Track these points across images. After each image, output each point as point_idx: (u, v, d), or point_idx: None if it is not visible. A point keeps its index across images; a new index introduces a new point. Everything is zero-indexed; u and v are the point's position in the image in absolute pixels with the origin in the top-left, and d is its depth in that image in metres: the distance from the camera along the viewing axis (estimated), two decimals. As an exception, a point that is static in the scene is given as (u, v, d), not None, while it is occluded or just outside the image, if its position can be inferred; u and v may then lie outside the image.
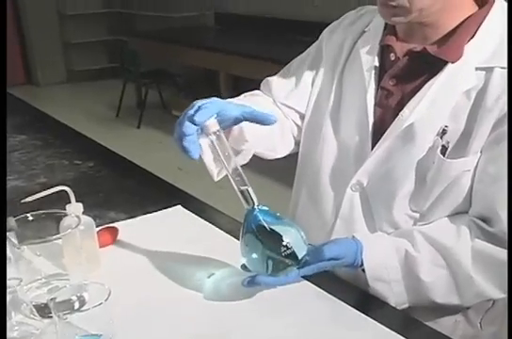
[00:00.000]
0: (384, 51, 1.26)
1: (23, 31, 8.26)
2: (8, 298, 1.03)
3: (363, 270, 1.18)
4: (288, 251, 1.04)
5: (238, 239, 1.13)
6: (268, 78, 1.46)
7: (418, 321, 1.14)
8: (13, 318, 1.06)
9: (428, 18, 1.15)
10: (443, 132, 1.16)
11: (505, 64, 1.11)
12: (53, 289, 1.14)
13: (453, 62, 1.14)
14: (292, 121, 1.41)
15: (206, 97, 1.11)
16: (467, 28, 1.15)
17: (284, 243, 1.03)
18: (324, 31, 1.42)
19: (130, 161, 2.00)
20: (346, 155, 1.30)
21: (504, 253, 1.12)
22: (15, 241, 1.09)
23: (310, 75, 1.39)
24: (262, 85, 1.47)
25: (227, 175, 1.09)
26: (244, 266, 1.12)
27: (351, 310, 1.13)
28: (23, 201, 1.25)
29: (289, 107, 1.41)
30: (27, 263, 1.14)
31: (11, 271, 1.14)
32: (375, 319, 1.10)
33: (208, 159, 1.18)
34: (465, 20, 1.16)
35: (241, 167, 1.08)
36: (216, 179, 1.21)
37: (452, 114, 1.15)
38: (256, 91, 1.46)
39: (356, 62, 1.29)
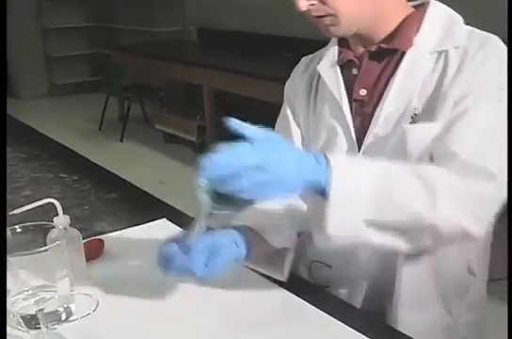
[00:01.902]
0: (344, 69, 1.32)
1: (5, 44, 8.24)
2: (-4, 309, 1.04)
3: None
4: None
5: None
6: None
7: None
8: None
9: (366, 27, 1.24)
10: (415, 115, 1.21)
11: (457, 44, 1.19)
12: (40, 300, 1.15)
13: (405, 51, 1.22)
14: None
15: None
16: (410, 25, 1.24)
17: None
18: (285, 87, 1.47)
19: (115, 174, 2.01)
20: None
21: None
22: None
23: (296, 129, 1.43)
24: None
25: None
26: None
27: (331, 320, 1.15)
28: (10, 213, 1.26)
29: None
30: (15, 274, 1.16)
31: (-2, 283, 1.15)
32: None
33: None
34: (405, 19, 1.25)
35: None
36: None
37: (419, 98, 1.21)
38: None
39: (323, 87, 1.35)
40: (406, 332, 1.17)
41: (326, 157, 1.03)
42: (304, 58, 1.46)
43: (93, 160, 2.20)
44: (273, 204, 1.29)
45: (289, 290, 1.26)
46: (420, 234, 1.09)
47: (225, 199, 1.00)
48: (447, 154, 1.13)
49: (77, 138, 6.08)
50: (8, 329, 1.09)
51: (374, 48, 1.27)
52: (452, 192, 1.07)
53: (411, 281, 1.27)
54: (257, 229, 1.24)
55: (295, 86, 1.44)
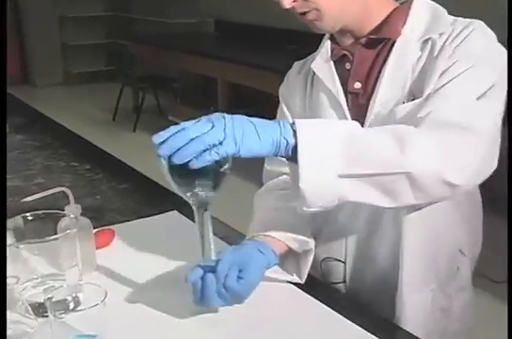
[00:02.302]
0: (338, 65, 1.34)
1: (22, 31, 8.27)
2: (4, 296, 1.05)
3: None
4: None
5: (232, 245, 1.17)
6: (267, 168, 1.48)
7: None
8: (8, 316, 1.07)
9: (352, 22, 1.27)
10: (412, 99, 1.22)
11: (442, 30, 1.22)
12: (48, 289, 1.15)
13: (395, 39, 1.25)
14: None
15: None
16: (397, 17, 1.27)
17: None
18: (280, 90, 1.49)
19: (127, 164, 2.01)
20: None
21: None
22: (13, 239, 1.10)
23: None
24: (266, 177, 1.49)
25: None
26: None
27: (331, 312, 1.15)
28: (23, 200, 1.26)
29: None
30: (24, 262, 1.16)
31: (8, 269, 1.15)
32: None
33: None
34: (391, 13, 1.28)
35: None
36: None
37: (411, 84, 1.23)
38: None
39: (318, 83, 1.37)
40: (408, 316, 1.27)
41: (290, 120, 1.06)
42: (296, 63, 1.49)
43: (106, 150, 2.20)
44: (282, 212, 1.32)
45: (301, 288, 1.26)
46: (397, 185, 1.07)
47: (194, 175, 1.01)
48: (423, 116, 1.14)
49: (90, 128, 6.09)
50: (16, 316, 1.09)
51: (364, 40, 1.30)
52: (422, 140, 1.07)
53: (414, 263, 1.30)
54: (277, 236, 1.26)
55: (289, 87, 1.46)
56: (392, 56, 1.26)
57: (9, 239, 0.76)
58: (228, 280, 1.09)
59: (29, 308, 1.09)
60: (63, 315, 1.00)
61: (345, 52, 1.32)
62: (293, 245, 1.27)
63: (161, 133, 1.03)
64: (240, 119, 1.03)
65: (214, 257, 1.11)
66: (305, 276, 1.28)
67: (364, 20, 1.28)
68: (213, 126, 1.00)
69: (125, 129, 6.34)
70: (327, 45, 1.37)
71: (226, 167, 1.04)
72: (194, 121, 1.02)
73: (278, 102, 1.48)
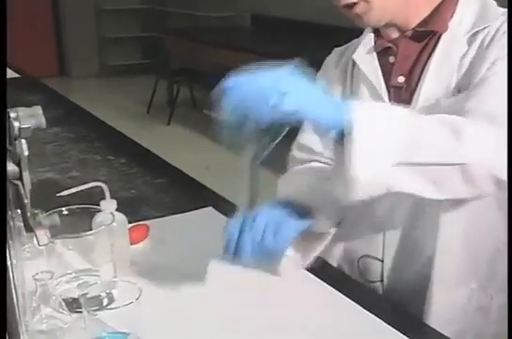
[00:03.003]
0: (381, 57, 1.31)
1: (60, 23, 8.33)
2: (39, 291, 1.04)
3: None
4: None
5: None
6: (299, 143, 1.44)
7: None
8: (42, 311, 1.06)
9: (399, 14, 1.24)
10: (458, 92, 1.20)
11: (490, 23, 1.19)
12: (82, 284, 1.15)
13: (442, 32, 1.22)
14: None
15: None
16: (444, 9, 1.24)
17: None
18: (316, 79, 1.41)
19: (162, 159, 2.00)
20: None
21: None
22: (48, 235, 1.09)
23: None
24: (297, 155, 1.45)
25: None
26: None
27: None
28: (58, 194, 1.26)
29: None
30: (59, 256, 1.15)
31: (43, 264, 1.15)
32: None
33: None
34: (439, 5, 1.25)
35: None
36: None
37: (456, 79, 1.21)
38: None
39: (360, 75, 1.34)
40: (440, 313, 1.25)
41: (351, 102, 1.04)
42: (336, 49, 1.46)
43: (139, 143, 2.19)
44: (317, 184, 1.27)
45: (334, 286, 1.24)
46: (448, 176, 1.03)
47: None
48: (472, 107, 1.11)
49: (124, 120, 6.10)
50: (50, 311, 1.08)
51: (410, 33, 1.27)
52: (476, 132, 1.03)
53: (450, 261, 1.28)
54: (308, 204, 1.23)
55: (327, 76, 1.42)
56: (438, 51, 1.23)
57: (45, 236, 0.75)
58: (265, 237, 1.10)
59: (63, 303, 1.09)
60: (97, 312, 0.99)
61: (390, 44, 1.29)
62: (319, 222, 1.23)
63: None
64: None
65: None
66: (311, 259, 1.26)
67: (411, 13, 1.25)
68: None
69: (159, 122, 6.36)
70: (370, 35, 1.34)
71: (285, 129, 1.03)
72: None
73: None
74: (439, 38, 1.23)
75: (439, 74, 1.23)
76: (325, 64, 1.45)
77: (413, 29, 1.26)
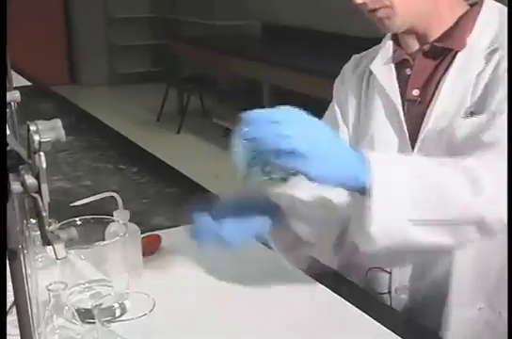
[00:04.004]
0: (399, 68, 1.31)
1: (70, 32, 8.38)
2: (52, 301, 1.04)
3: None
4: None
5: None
6: None
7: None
8: (55, 322, 1.06)
9: (421, 22, 1.23)
10: (471, 113, 1.19)
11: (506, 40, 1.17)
12: (95, 294, 1.14)
13: (459, 50, 1.21)
14: None
15: (248, 108, 1.03)
16: (465, 24, 1.23)
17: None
18: (334, 86, 1.46)
19: (174, 168, 2.00)
20: None
21: None
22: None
23: (344, 127, 1.41)
24: None
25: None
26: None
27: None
28: (72, 204, 1.26)
29: None
30: (72, 266, 1.15)
31: (55, 274, 1.15)
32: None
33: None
34: (460, 18, 1.24)
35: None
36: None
37: (472, 97, 1.20)
38: None
39: (376, 86, 1.34)
40: (455, 332, 1.25)
41: (365, 155, 0.98)
42: (354, 56, 1.46)
43: (149, 151, 2.20)
44: (311, 195, 1.27)
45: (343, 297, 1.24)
46: (465, 230, 1.02)
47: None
48: (492, 140, 1.10)
49: (134, 128, 6.12)
50: (62, 321, 1.08)
51: (427, 47, 1.26)
52: (498, 187, 1.00)
53: (463, 282, 1.28)
54: (290, 213, 1.23)
55: (344, 84, 1.42)
56: (455, 67, 1.22)
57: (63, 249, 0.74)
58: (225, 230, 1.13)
59: (75, 314, 1.08)
60: (110, 323, 0.99)
61: (407, 57, 1.29)
62: (302, 231, 1.25)
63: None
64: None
65: None
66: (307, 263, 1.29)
67: (433, 22, 1.24)
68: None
69: (169, 130, 6.37)
70: (388, 46, 1.34)
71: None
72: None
73: (323, 107, 1.46)
74: (456, 52, 1.22)
75: (453, 91, 1.22)
76: (342, 71, 1.45)
77: (431, 43, 1.25)
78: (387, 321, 1.15)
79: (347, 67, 1.45)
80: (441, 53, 1.25)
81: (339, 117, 1.41)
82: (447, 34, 1.24)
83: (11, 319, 1.03)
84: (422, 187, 0.99)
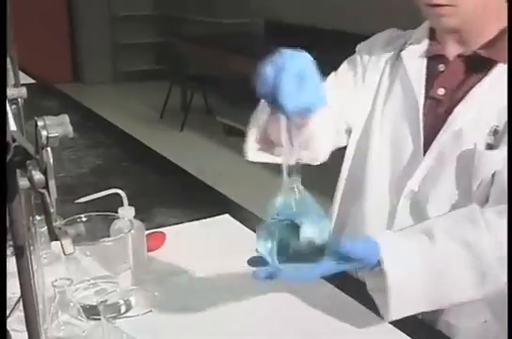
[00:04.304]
0: (430, 62, 1.28)
1: (74, 29, 8.37)
2: (57, 297, 1.04)
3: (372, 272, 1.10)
4: (307, 246, 0.95)
5: None
6: None
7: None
8: (60, 318, 1.06)
9: (472, 24, 1.19)
10: (495, 131, 1.17)
11: None
12: (100, 291, 1.15)
13: (503, 63, 1.17)
14: (339, 130, 1.39)
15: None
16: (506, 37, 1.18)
17: (303, 237, 0.95)
18: (359, 46, 1.43)
19: (178, 166, 2.00)
20: (399, 165, 1.31)
21: None
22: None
23: (357, 86, 1.39)
24: None
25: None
26: (252, 261, 1.04)
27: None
28: (76, 201, 1.26)
29: (341, 114, 1.37)
30: (77, 263, 1.15)
31: (61, 270, 1.15)
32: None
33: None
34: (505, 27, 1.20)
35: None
36: (250, 157, 1.21)
37: (501, 113, 1.17)
38: None
39: (401, 75, 1.31)
40: None
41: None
42: (391, 31, 1.41)
43: (152, 148, 2.20)
44: None
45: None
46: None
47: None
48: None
49: (138, 126, 6.10)
50: (68, 317, 1.08)
51: (469, 52, 1.23)
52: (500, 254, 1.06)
53: None
54: None
55: (371, 52, 1.38)
56: (492, 79, 1.19)
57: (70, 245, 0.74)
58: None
59: (81, 310, 1.09)
60: (115, 320, 0.99)
61: (444, 53, 1.26)
62: None
63: None
64: None
65: None
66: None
67: (478, 27, 1.20)
68: None
69: (172, 128, 6.36)
70: (424, 39, 1.29)
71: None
72: None
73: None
74: (495, 63, 1.18)
75: (481, 103, 1.19)
76: (376, 37, 1.41)
77: (475, 51, 1.22)
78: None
79: (379, 38, 1.40)
80: (481, 61, 1.21)
81: (353, 88, 1.38)
82: (491, 43, 1.21)
83: (18, 315, 1.05)
84: (431, 280, 1.07)
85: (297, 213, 0.96)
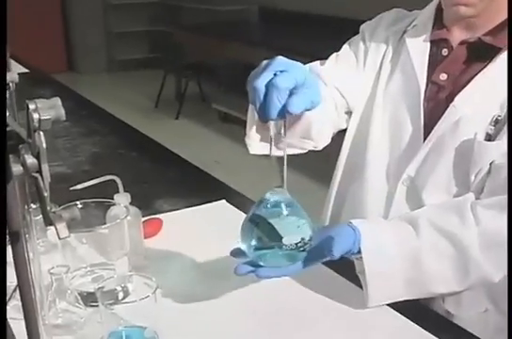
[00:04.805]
0: (434, 46, 1.26)
1: (68, 19, 8.32)
2: (54, 285, 1.04)
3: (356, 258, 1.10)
4: (289, 247, 0.94)
5: None
6: (315, 63, 1.37)
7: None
8: (58, 305, 1.06)
9: (483, 12, 1.17)
10: (496, 121, 1.16)
11: None
12: (97, 278, 1.14)
13: (504, 49, 1.15)
14: (339, 112, 1.38)
15: (246, 92, 0.99)
16: None
17: (285, 238, 0.94)
18: (362, 26, 1.41)
19: (174, 153, 2.00)
20: (398, 150, 1.30)
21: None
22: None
23: (358, 68, 1.38)
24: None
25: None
26: (236, 252, 1.03)
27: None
28: (72, 188, 1.25)
29: (343, 97, 1.36)
30: (73, 250, 1.15)
31: (57, 258, 1.15)
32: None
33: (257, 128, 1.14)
34: None
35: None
36: (252, 151, 1.18)
37: (504, 103, 1.15)
38: None
39: (404, 58, 1.29)
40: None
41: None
42: (397, 11, 1.39)
43: (148, 136, 2.19)
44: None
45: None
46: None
47: None
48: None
49: (133, 114, 6.07)
50: (65, 305, 1.08)
51: (473, 39, 1.21)
52: (487, 249, 1.07)
53: None
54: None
55: (374, 34, 1.37)
56: (495, 66, 1.17)
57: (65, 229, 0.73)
58: None
59: (78, 297, 1.08)
60: (113, 306, 0.99)
61: (449, 37, 1.24)
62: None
63: None
64: None
65: None
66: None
67: (490, 13, 1.18)
68: None
69: (168, 116, 6.35)
70: (429, 23, 1.28)
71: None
72: None
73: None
74: (500, 50, 1.17)
75: (488, 92, 1.17)
76: (381, 17, 1.39)
77: (479, 37, 1.20)
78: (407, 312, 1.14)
79: (385, 17, 1.38)
80: (485, 48, 1.19)
81: (355, 69, 1.37)
82: (496, 30, 1.19)
83: (15, 303, 1.04)
84: (412, 274, 1.07)
85: (278, 212, 0.96)
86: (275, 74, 0.90)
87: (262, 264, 0.98)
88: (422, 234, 1.08)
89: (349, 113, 1.40)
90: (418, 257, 1.07)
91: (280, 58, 0.94)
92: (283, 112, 0.89)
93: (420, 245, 1.07)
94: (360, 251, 1.05)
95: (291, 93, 0.89)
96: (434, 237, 1.08)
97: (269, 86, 0.89)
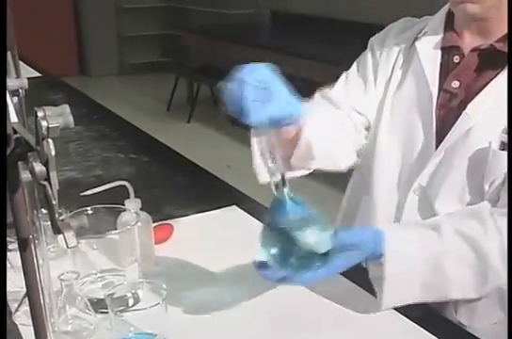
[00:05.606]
0: (445, 53, 1.25)
1: (80, 22, 8.35)
2: (64, 291, 1.03)
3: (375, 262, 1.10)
4: (307, 251, 0.95)
5: None
6: (324, 90, 1.38)
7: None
8: (67, 312, 1.06)
9: (493, 14, 1.15)
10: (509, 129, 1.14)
11: None
12: (107, 284, 1.14)
13: None
14: (359, 129, 1.37)
15: None
16: None
17: (303, 243, 0.95)
18: (371, 39, 1.40)
19: (185, 157, 1.99)
20: (409, 158, 1.29)
21: None
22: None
23: (371, 83, 1.36)
24: (317, 97, 1.38)
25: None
26: (260, 265, 1.02)
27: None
28: (82, 193, 1.25)
29: (360, 115, 1.35)
30: (83, 256, 1.14)
31: (68, 264, 1.14)
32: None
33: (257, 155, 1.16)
34: None
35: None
36: (262, 181, 1.16)
37: None
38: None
39: (415, 65, 1.28)
40: None
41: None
42: (405, 20, 1.38)
43: (159, 140, 2.19)
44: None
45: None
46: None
47: None
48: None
49: (144, 118, 6.09)
50: (75, 311, 1.08)
51: (485, 45, 1.19)
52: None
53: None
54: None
55: (384, 45, 1.35)
56: (505, 74, 1.15)
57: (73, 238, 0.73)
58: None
59: (88, 303, 1.08)
60: (123, 313, 0.98)
61: (461, 44, 1.22)
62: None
63: None
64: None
65: None
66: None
67: (500, 17, 1.15)
68: None
69: (179, 120, 6.35)
70: (439, 29, 1.26)
71: None
72: None
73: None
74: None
75: (500, 100, 1.14)
76: (390, 28, 1.38)
77: (491, 44, 1.18)
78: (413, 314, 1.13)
79: (394, 27, 1.37)
80: (497, 55, 1.17)
81: (369, 84, 1.35)
82: (506, 37, 1.16)
83: (24, 309, 1.04)
84: (430, 277, 1.07)
85: (295, 220, 0.96)
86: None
87: (290, 271, 0.98)
88: (444, 238, 1.07)
89: (369, 128, 1.38)
90: (439, 261, 1.07)
91: (246, 65, 1.00)
92: (268, 121, 0.94)
93: (442, 249, 1.07)
94: (381, 255, 1.04)
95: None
96: (457, 243, 1.07)
97: (237, 83, 0.95)
